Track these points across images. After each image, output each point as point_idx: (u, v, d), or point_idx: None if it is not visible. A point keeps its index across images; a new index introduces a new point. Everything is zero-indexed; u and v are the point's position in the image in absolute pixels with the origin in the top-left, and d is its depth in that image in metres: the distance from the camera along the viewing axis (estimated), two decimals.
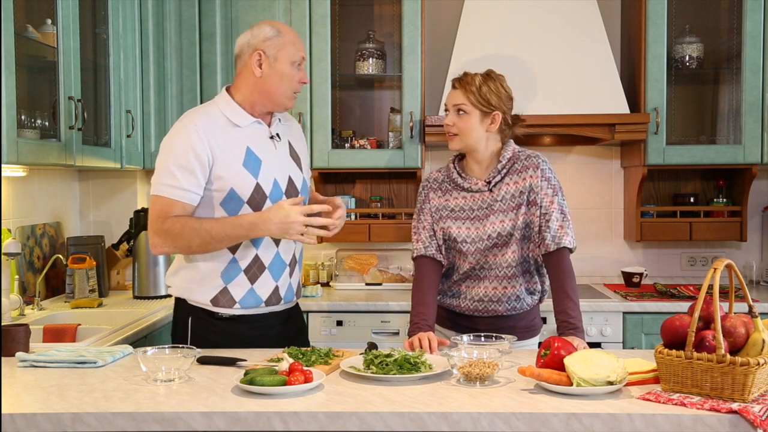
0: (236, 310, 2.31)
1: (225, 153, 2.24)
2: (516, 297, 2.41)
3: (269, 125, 2.38)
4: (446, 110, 2.42)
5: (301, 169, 2.44)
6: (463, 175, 2.43)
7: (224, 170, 2.23)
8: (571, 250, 2.34)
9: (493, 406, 1.69)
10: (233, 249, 2.28)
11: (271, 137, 2.37)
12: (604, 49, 3.51)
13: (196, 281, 2.31)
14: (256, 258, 2.30)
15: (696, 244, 3.90)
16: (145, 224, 3.36)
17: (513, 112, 2.43)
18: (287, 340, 2.39)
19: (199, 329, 2.33)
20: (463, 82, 2.37)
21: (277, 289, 2.35)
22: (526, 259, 2.40)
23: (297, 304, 2.53)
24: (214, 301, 2.30)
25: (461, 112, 2.36)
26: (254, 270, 2.30)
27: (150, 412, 1.68)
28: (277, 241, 2.32)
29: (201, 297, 2.31)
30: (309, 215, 2.18)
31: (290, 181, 2.37)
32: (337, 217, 2.30)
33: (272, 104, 2.34)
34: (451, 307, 2.49)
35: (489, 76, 2.38)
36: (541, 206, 2.35)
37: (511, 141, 2.44)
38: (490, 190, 2.38)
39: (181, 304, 2.38)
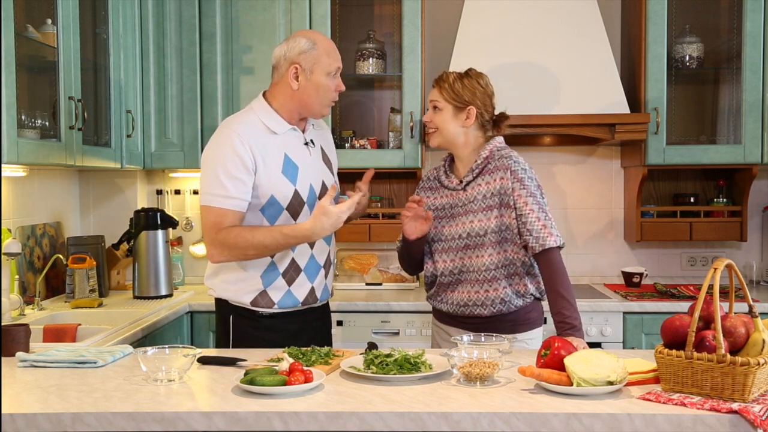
0: (275, 310, 2.39)
1: (265, 160, 2.31)
2: (501, 300, 2.37)
3: (303, 131, 2.43)
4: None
5: (332, 173, 2.52)
6: (447, 173, 2.47)
7: (264, 177, 2.30)
8: (560, 248, 2.33)
9: (493, 406, 1.69)
10: (272, 255, 2.36)
11: (306, 143, 2.43)
12: (604, 49, 3.51)
13: (236, 284, 2.39)
14: (293, 261, 2.38)
15: (696, 244, 3.90)
16: (146, 224, 3.37)
17: (501, 111, 2.46)
18: (322, 334, 2.54)
19: (240, 326, 2.42)
20: (438, 80, 2.44)
21: (313, 290, 2.43)
22: (511, 261, 2.36)
23: (327, 301, 2.62)
24: (254, 303, 2.38)
25: (436, 109, 2.42)
26: (291, 273, 2.38)
27: (150, 412, 1.68)
28: (311, 244, 2.39)
29: (241, 298, 2.39)
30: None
31: (323, 186, 2.43)
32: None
33: (308, 113, 2.40)
34: (442, 310, 2.49)
35: (466, 73, 2.43)
36: (515, 208, 2.33)
37: (495, 139, 2.45)
38: (464, 189, 2.40)
39: (222, 303, 2.46)
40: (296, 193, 2.34)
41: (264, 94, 2.42)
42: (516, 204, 2.33)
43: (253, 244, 2.25)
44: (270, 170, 2.30)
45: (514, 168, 2.35)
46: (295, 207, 2.34)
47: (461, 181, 2.41)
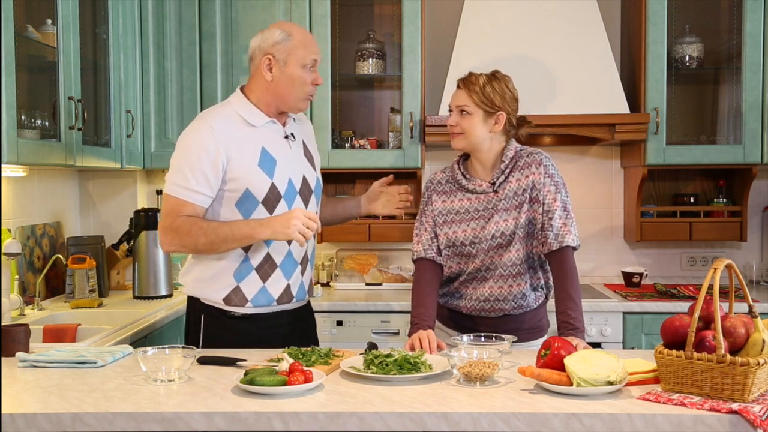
0: (248, 309, 2.34)
1: (240, 153, 2.27)
2: (522, 295, 2.39)
3: (284, 125, 2.40)
4: (450, 110, 2.41)
5: (314, 169, 2.47)
6: (467, 176, 2.42)
7: (239, 171, 2.26)
8: (574, 248, 2.33)
9: (493, 406, 1.69)
10: (246, 248, 2.30)
11: (286, 137, 2.39)
12: (604, 49, 3.51)
13: (208, 280, 2.34)
14: (268, 256, 2.32)
15: (696, 244, 3.90)
16: (146, 224, 3.37)
17: (521, 114, 2.43)
18: (298, 338, 2.40)
19: (211, 327, 2.36)
20: (467, 82, 2.36)
21: (288, 287, 2.37)
22: (530, 256, 2.39)
23: (309, 302, 2.55)
24: (227, 300, 2.33)
25: (464, 113, 2.35)
26: (266, 268, 2.33)
27: (150, 412, 1.68)
28: (288, 240, 2.30)
29: (214, 296, 2.34)
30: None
31: (304, 181, 2.40)
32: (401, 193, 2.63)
33: (285, 106, 2.36)
34: (457, 308, 2.47)
35: (494, 76, 2.38)
36: (543, 203, 2.33)
37: (513, 140, 2.44)
38: (495, 191, 2.38)
39: (193, 302, 2.41)
40: (273, 187, 2.29)
41: (242, 89, 2.39)
42: (545, 199, 2.33)
43: (206, 232, 2.20)
44: (245, 163, 2.26)
45: (546, 163, 2.37)
46: (272, 201, 2.29)
47: (493, 183, 2.37)
